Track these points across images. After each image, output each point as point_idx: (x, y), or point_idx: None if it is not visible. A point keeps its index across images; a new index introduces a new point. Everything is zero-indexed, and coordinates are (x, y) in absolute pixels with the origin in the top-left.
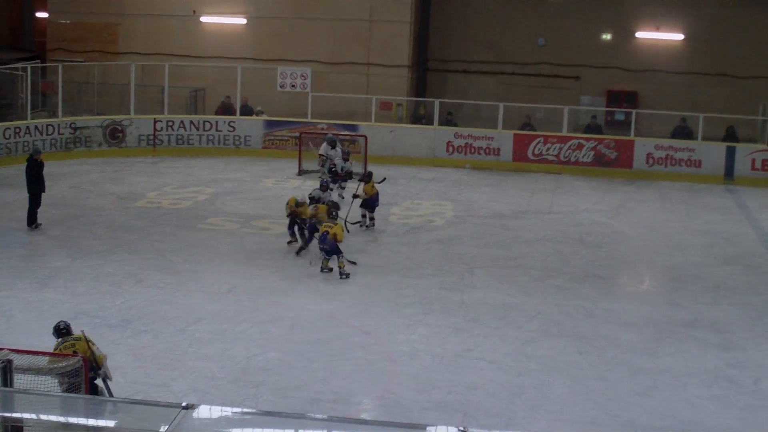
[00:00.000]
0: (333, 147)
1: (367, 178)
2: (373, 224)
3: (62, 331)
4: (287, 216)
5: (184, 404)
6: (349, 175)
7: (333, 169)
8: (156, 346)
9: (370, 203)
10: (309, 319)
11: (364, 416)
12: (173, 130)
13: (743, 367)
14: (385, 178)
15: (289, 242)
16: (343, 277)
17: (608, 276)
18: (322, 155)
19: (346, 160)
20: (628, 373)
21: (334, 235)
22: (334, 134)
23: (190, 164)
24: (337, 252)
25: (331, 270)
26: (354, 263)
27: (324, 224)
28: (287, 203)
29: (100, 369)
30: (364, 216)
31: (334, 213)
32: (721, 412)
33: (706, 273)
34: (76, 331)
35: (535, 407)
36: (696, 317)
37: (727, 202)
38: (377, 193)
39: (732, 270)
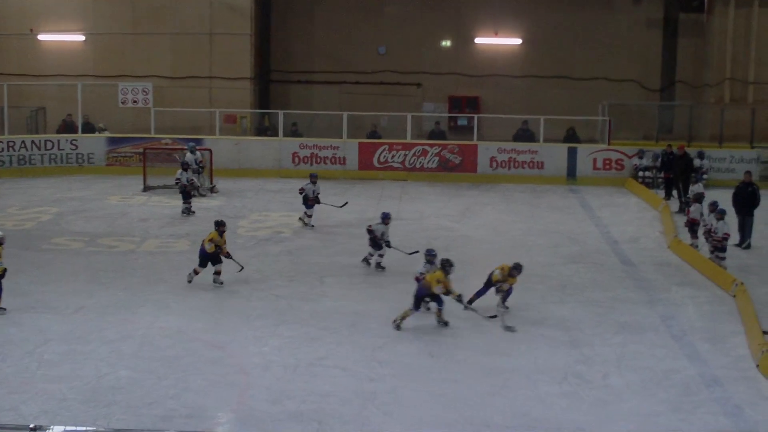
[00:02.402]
0: (193, 153)
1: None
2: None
3: None
4: None
5: (31, 426)
6: (317, 200)
7: (304, 194)
8: (4, 369)
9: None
10: (158, 336)
11: (219, 430)
12: (14, 150)
13: (591, 363)
14: (346, 202)
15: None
16: (441, 324)
17: (456, 279)
18: (188, 164)
19: (314, 183)
20: (479, 373)
21: (429, 282)
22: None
23: (33, 184)
24: (436, 300)
25: (446, 324)
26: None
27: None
28: None
29: None
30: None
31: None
32: (571, 407)
33: (553, 272)
34: None
35: (389, 412)
36: (544, 316)
37: (570, 202)
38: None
39: (577, 268)
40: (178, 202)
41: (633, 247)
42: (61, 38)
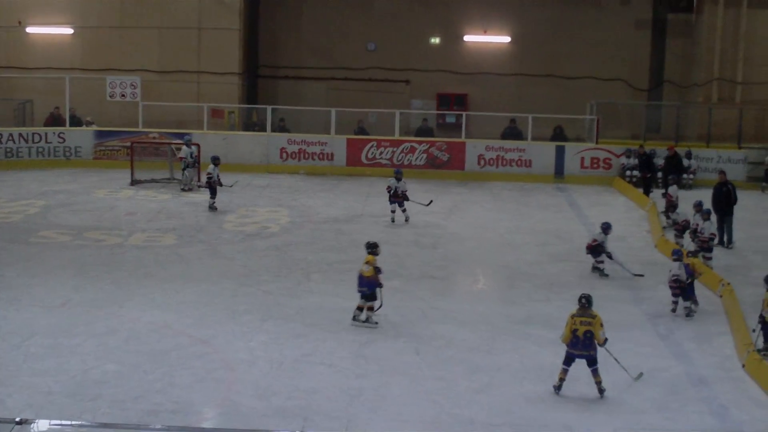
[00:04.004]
0: (189, 147)
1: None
2: None
3: None
4: None
5: (17, 419)
6: (405, 197)
7: (392, 191)
8: None
9: None
10: (145, 330)
11: (205, 425)
12: (2, 143)
13: (578, 361)
14: (431, 201)
15: None
16: (602, 395)
17: (443, 276)
18: (183, 157)
19: (399, 179)
20: (465, 371)
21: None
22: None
23: (20, 177)
24: (592, 363)
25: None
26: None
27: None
28: None
29: None
30: None
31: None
32: (557, 405)
33: (539, 270)
34: None
35: (375, 408)
36: (530, 314)
37: (557, 201)
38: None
39: (564, 267)
40: (165, 197)
41: (620, 246)
42: (49, 31)
